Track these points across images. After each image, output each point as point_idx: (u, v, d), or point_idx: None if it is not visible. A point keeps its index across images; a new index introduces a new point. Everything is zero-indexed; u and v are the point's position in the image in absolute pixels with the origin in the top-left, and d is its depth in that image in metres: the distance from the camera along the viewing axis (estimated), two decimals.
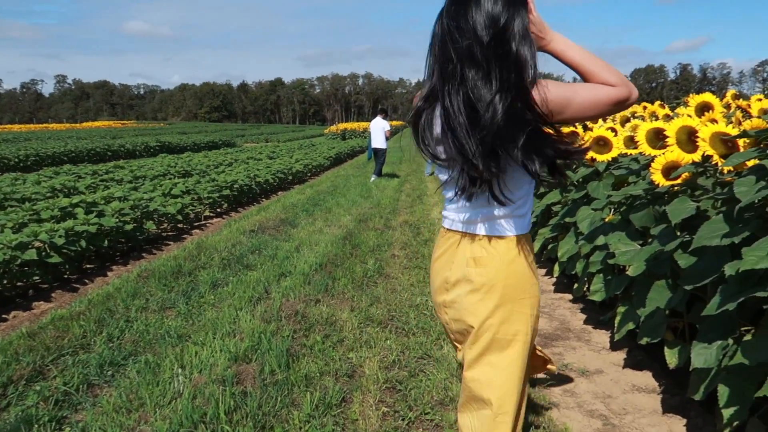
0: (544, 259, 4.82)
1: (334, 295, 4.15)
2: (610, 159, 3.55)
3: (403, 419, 2.43)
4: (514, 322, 1.41)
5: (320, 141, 28.91)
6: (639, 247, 2.85)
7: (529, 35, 1.27)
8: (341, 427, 2.39)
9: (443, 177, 1.44)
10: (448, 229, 1.49)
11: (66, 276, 4.78)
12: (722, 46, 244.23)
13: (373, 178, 12.14)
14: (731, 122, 2.63)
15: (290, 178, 11.95)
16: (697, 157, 2.37)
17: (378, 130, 12.30)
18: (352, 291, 4.22)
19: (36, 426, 2.36)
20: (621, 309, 3.01)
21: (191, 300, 4.04)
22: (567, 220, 4.03)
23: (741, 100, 3.62)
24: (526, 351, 1.44)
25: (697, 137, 2.30)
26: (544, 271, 4.78)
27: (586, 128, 4.16)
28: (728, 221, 1.99)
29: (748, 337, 1.87)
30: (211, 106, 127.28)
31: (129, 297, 4.06)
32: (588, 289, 3.63)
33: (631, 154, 3.53)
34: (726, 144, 2.24)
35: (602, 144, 3.50)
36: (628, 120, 4.55)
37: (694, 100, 2.92)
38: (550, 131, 1.30)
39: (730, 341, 1.98)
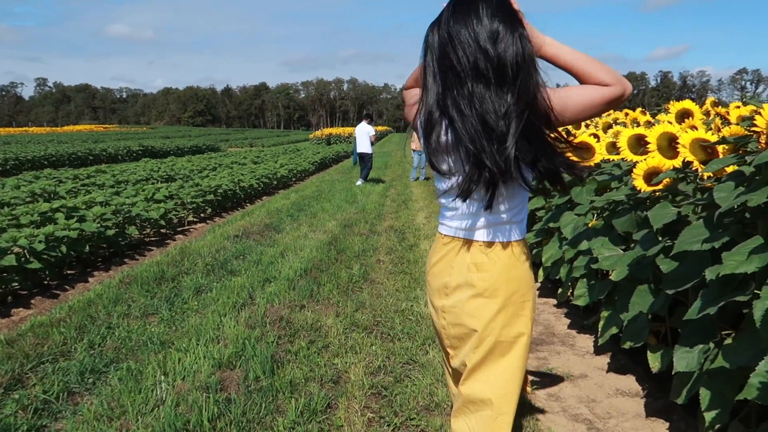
0: None
1: (319, 300, 4.13)
2: (593, 164, 3.59)
3: (388, 425, 2.42)
4: (515, 325, 1.44)
5: (305, 146, 28.84)
6: (622, 252, 2.88)
7: (528, 43, 1.29)
8: None
9: (443, 185, 1.45)
10: (445, 235, 1.51)
11: (46, 282, 4.70)
12: (702, 55, 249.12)
13: (359, 183, 12.15)
14: (711, 129, 2.68)
15: (275, 183, 11.90)
16: (677, 163, 2.41)
17: (363, 135, 12.32)
18: (338, 296, 4.20)
19: None
20: (604, 313, 3.03)
21: (174, 306, 3.99)
22: (551, 225, 4.06)
23: (720, 107, 3.68)
24: (527, 352, 1.48)
25: (678, 143, 2.34)
26: None
27: (569, 134, 4.21)
28: (708, 226, 2.02)
29: (728, 341, 1.90)
30: (194, 110, 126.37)
31: (111, 303, 4.01)
32: (572, 293, 3.67)
33: (613, 160, 3.57)
34: (706, 150, 2.27)
35: (585, 150, 3.53)
36: (610, 126, 4.61)
37: (675, 107, 2.97)
38: (559, 142, 1.33)
39: (712, 345, 2.01)
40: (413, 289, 4.38)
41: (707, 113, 3.65)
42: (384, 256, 5.56)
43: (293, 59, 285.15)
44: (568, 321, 3.77)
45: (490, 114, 1.26)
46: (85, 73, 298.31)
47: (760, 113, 1.77)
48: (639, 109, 5.32)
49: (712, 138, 2.25)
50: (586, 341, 3.42)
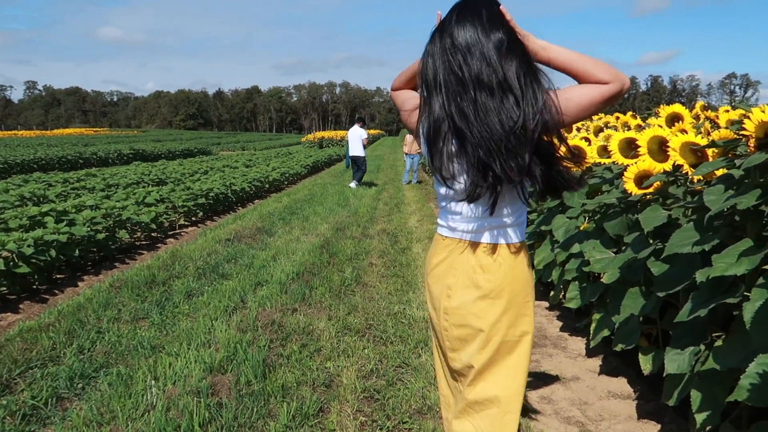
0: None
1: (311, 304, 4.12)
2: (584, 168, 3.61)
3: (381, 429, 2.41)
4: (520, 324, 1.48)
5: (297, 149, 28.81)
6: (613, 254, 2.89)
7: (527, 51, 1.33)
8: None
9: (446, 190, 1.47)
10: (447, 237, 1.53)
11: (35, 286, 4.66)
12: (692, 59, 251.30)
13: (353, 185, 12.18)
14: (700, 133, 2.70)
15: (267, 186, 11.86)
16: (668, 166, 2.43)
17: (356, 138, 12.35)
18: (330, 300, 4.19)
19: None
20: (596, 316, 3.04)
21: (165, 310, 3.97)
22: (543, 228, 4.07)
23: (709, 111, 3.72)
24: (530, 351, 1.52)
25: (668, 147, 2.35)
26: None
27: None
28: (698, 229, 2.04)
29: (719, 343, 1.91)
30: (186, 113, 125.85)
31: (101, 307, 3.97)
32: (564, 296, 3.68)
33: (604, 164, 3.59)
34: (695, 154, 2.29)
35: (577, 154, 3.55)
36: (601, 130, 4.64)
37: (665, 111, 2.99)
38: (561, 141, 1.37)
39: (702, 347, 2.02)
40: (405, 293, 4.37)
41: (697, 117, 3.68)
42: (376, 259, 5.55)
43: (285, 63, 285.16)
44: (560, 324, 3.78)
45: (497, 125, 1.29)
46: (76, 77, 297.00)
47: (748, 117, 1.78)
48: (630, 113, 5.35)
49: (702, 141, 2.27)
50: (578, 344, 3.43)
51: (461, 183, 1.41)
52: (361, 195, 10.74)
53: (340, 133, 37.86)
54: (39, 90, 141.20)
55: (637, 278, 2.59)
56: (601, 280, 2.94)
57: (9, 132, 64.89)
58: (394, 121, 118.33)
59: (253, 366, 2.92)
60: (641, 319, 2.59)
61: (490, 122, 1.29)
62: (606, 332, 2.90)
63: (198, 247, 5.98)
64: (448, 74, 1.34)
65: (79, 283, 4.90)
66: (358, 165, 12.44)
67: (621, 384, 2.87)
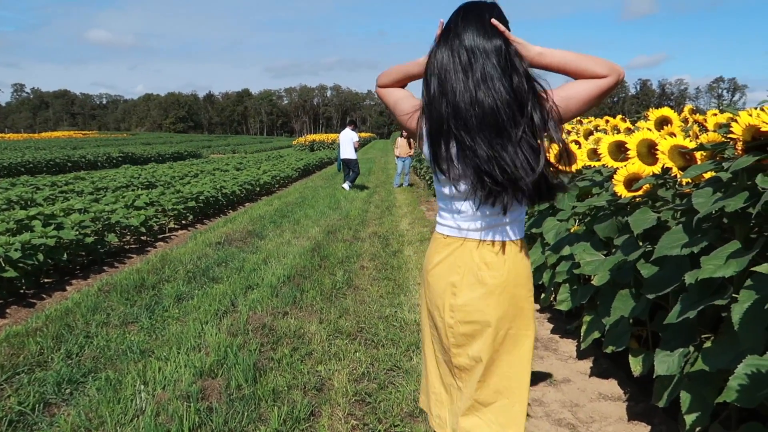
0: None
1: (302, 307, 4.10)
2: (574, 171, 3.63)
3: None
4: (524, 318, 1.53)
5: (288, 152, 28.75)
6: (603, 257, 2.91)
7: (523, 58, 1.40)
8: None
9: (448, 190, 1.51)
10: (448, 235, 1.56)
11: (22, 291, 4.60)
12: (680, 63, 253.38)
13: (346, 186, 12.20)
14: (689, 136, 2.73)
15: (258, 189, 11.82)
16: (657, 169, 2.44)
17: (347, 141, 12.37)
18: (321, 303, 4.18)
19: None
20: (587, 318, 3.06)
21: (155, 314, 3.94)
22: (533, 230, 4.09)
23: (698, 114, 3.75)
24: (534, 343, 1.58)
25: (657, 150, 2.37)
26: None
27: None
28: (687, 231, 2.05)
29: (708, 345, 1.92)
30: (176, 116, 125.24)
31: (89, 312, 3.93)
32: (555, 298, 3.69)
33: (594, 166, 3.62)
34: (684, 157, 2.31)
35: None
36: (591, 133, 4.67)
37: (654, 114, 3.02)
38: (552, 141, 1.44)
39: (691, 348, 2.03)
40: (397, 295, 4.37)
41: (685, 120, 3.72)
42: (368, 262, 5.55)
43: (276, 66, 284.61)
44: (551, 326, 3.79)
45: (498, 127, 1.35)
46: (64, 79, 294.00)
47: (736, 121, 1.80)
48: (619, 117, 5.39)
49: (691, 145, 2.28)
50: (569, 346, 3.44)
51: (466, 184, 1.45)
52: (353, 198, 10.73)
53: (332, 136, 37.86)
54: (27, 92, 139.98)
55: (627, 280, 2.60)
56: (592, 282, 2.95)
57: None
58: (386, 124, 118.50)
59: (244, 370, 2.90)
60: (631, 321, 2.60)
61: (491, 124, 1.35)
62: (596, 334, 2.91)
63: (188, 251, 5.95)
64: (454, 77, 1.39)
65: (68, 288, 4.85)
66: (350, 167, 12.47)
67: (611, 386, 2.88)
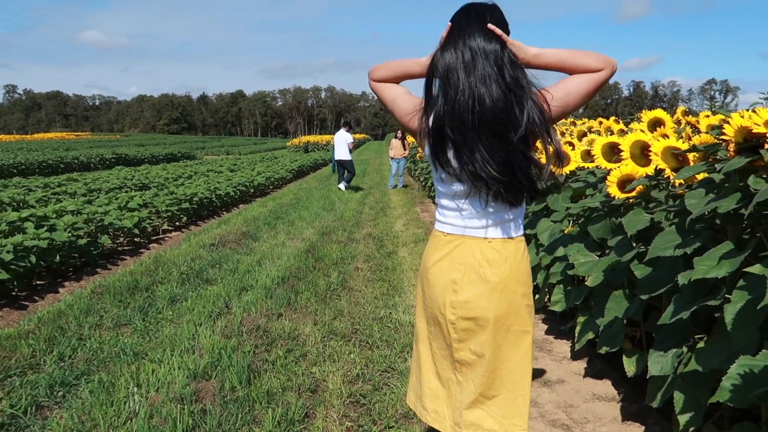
0: None
1: (296, 308, 4.10)
2: (568, 172, 3.64)
3: None
4: (524, 314, 1.58)
5: (282, 154, 28.69)
6: (597, 258, 2.92)
7: (518, 59, 1.44)
8: None
9: (449, 188, 1.55)
10: (448, 233, 1.59)
11: (14, 293, 4.57)
12: (673, 65, 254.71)
13: (342, 186, 12.22)
14: (681, 137, 2.74)
15: (252, 191, 11.79)
16: (650, 170, 2.45)
17: (341, 142, 12.39)
18: (315, 304, 4.17)
19: None
20: (581, 319, 3.06)
21: (148, 316, 3.92)
22: (527, 231, 4.10)
23: (690, 116, 3.77)
24: (533, 336, 1.62)
25: (650, 151, 2.38)
26: None
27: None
28: (680, 232, 2.06)
29: (701, 345, 1.93)
30: (170, 117, 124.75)
31: (82, 314, 3.91)
32: (549, 299, 3.69)
33: (588, 168, 3.63)
34: (677, 158, 2.32)
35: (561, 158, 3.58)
36: (584, 134, 4.69)
37: (647, 116, 3.03)
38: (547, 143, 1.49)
39: (685, 349, 2.04)
40: (392, 297, 4.37)
41: (678, 122, 3.74)
42: (362, 263, 5.54)
43: (271, 67, 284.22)
44: (545, 327, 3.80)
45: (496, 126, 1.40)
46: (57, 80, 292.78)
47: (728, 122, 1.81)
48: (612, 118, 5.42)
49: (683, 146, 2.30)
50: (564, 346, 3.45)
51: (467, 182, 1.49)
52: (347, 199, 10.72)
53: (326, 137, 37.84)
54: (19, 94, 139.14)
55: (620, 281, 2.61)
56: (586, 283, 2.96)
57: None
58: (380, 126, 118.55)
59: (238, 372, 2.89)
60: (625, 321, 2.61)
61: (490, 124, 1.39)
62: (591, 335, 2.92)
63: (182, 252, 5.92)
64: (457, 77, 1.42)
65: (60, 290, 4.83)
66: (346, 168, 12.49)
67: (606, 386, 2.89)
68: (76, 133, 76.38)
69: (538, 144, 1.49)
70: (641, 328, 2.65)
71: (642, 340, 2.67)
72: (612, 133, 4.63)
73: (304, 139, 39.32)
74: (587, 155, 3.53)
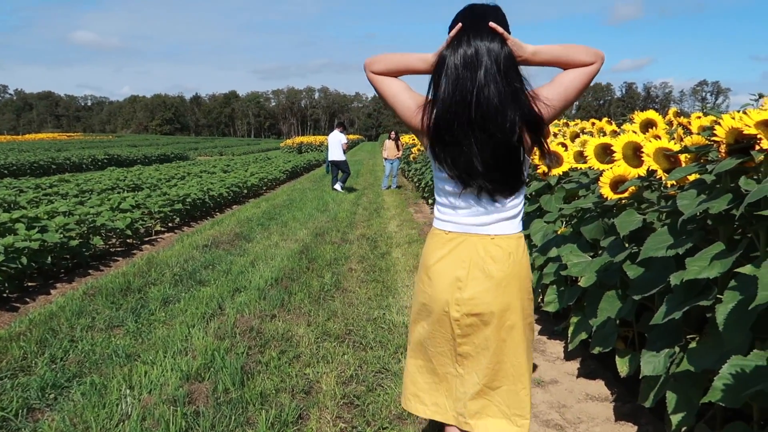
0: None
1: (290, 310, 4.09)
2: (561, 173, 3.65)
3: None
4: (526, 308, 1.63)
5: (276, 154, 28.64)
6: (590, 258, 2.93)
7: (516, 57, 1.50)
8: None
9: (450, 186, 1.59)
10: (450, 231, 1.62)
11: (5, 295, 4.53)
12: (664, 67, 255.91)
13: (338, 186, 12.24)
14: (673, 138, 2.75)
15: (245, 191, 11.76)
16: (642, 171, 2.47)
17: (335, 143, 12.39)
18: (309, 305, 4.16)
19: None
20: (574, 319, 3.07)
21: (141, 318, 3.90)
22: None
23: (682, 117, 3.79)
24: (533, 330, 1.69)
25: (642, 152, 2.40)
26: None
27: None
28: (672, 233, 2.07)
29: (693, 345, 1.94)
30: (162, 118, 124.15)
31: (74, 316, 3.88)
32: (542, 300, 3.71)
33: (580, 169, 3.64)
34: (669, 159, 2.34)
35: (554, 158, 3.59)
36: (577, 135, 4.70)
37: (639, 117, 3.04)
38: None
39: (677, 349, 2.05)
40: (385, 297, 4.37)
41: (670, 123, 3.76)
42: (356, 264, 5.54)
43: (264, 68, 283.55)
44: (538, 327, 3.81)
45: (497, 124, 1.45)
46: (48, 81, 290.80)
47: (719, 123, 1.82)
48: (605, 119, 5.44)
49: (675, 147, 2.31)
50: (557, 347, 3.46)
51: (468, 180, 1.53)
52: (341, 200, 10.72)
53: (320, 138, 37.85)
54: (10, 94, 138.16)
55: (613, 282, 2.62)
56: (579, 283, 2.97)
57: None
58: (374, 126, 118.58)
59: (231, 373, 2.88)
60: (618, 322, 2.62)
61: (491, 123, 1.45)
62: (584, 335, 2.93)
63: (175, 254, 5.90)
64: (461, 76, 1.46)
65: (52, 291, 4.79)
66: (341, 168, 12.50)
67: (599, 386, 2.90)
68: (67, 134, 75.89)
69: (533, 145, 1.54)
70: (634, 329, 2.67)
71: (635, 340, 2.68)
72: (604, 134, 4.65)
73: (298, 139, 39.30)
74: (580, 156, 3.55)
